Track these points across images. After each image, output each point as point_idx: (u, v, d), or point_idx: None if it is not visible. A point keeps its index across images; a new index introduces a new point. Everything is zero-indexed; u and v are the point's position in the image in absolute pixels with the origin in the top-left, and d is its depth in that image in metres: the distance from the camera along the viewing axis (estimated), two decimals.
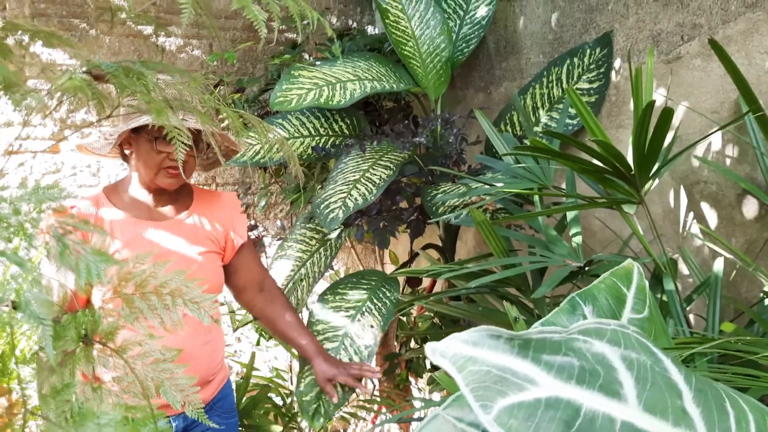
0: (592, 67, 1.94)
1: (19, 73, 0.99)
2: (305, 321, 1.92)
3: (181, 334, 1.50)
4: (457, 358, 0.39)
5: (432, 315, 2.37)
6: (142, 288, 0.94)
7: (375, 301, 1.96)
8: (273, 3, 1.05)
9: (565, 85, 2.01)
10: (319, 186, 2.61)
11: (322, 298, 2.04)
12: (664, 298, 1.37)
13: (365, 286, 2.02)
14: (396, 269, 2.34)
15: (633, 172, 1.27)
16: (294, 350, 2.16)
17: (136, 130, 1.50)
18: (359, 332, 1.89)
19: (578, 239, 1.46)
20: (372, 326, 1.86)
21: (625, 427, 0.37)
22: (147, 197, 1.59)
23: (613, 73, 1.91)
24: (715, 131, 1.31)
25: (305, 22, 1.14)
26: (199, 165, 1.73)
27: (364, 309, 1.94)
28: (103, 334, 0.89)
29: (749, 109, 1.28)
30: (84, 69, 1.12)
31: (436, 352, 0.39)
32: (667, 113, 1.12)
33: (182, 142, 1.04)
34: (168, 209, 1.61)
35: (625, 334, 0.43)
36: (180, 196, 1.64)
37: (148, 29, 3.00)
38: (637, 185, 1.30)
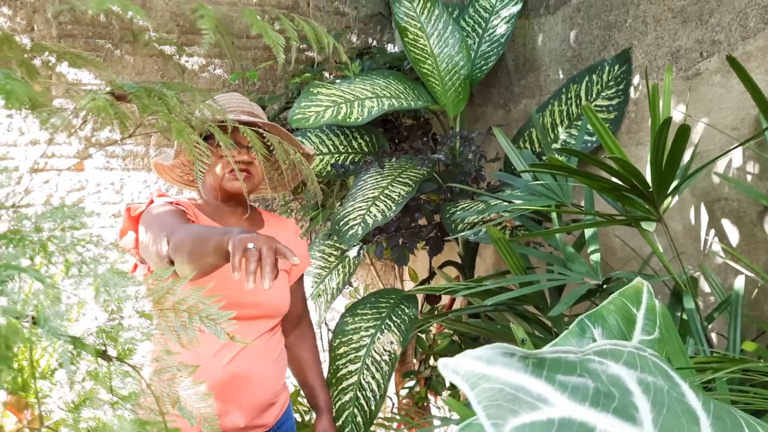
0: (611, 84, 1.94)
1: (45, 93, 1.01)
2: (324, 340, 1.93)
3: (249, 356, 1.52)
4: (469, 375, 0.39)
5: (451, 333, 2.36)
6: (161, 304, 0.95)
7: (394, 317, 1.96)
8: (291, 29, 1.07)
9: (584, 102, 2.00)
10: (339, 203, 2.62)
11: (342, 321, 2.04)
12: (684, 316, 1.35)
13: (384, 305, 2.02)
14: (415, 286, 2.34)
15: (651, 190, 1.26)
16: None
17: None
18: (380, 350, 1.89)
19: (596, 257, 1.45)
20: (392, 342, 1.86)
21: None
22: (224, 212, 1.61)
23: (632, 90, 1.91)
24: (734, 148, 1.30)
25: (322, 45, 1.15)
26: (275, 181, 1.75)
27: (383, 327, 1.95)
28: (121, 350, 0.90)
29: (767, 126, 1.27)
30: (107, 90, 1.14)
31: (448, 367, 0.39)
32: (684, 130, 1.11)
33: (228, 146, 1.08)
34: (245, 224, 1.64)
35: (642, 357, 0.42)
36: (254, 216, 1.67)
37: (172, 49, 3.05)
38: (655, 202, 1.29)
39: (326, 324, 2.89)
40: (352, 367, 1.88)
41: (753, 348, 1.20)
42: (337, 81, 2.31)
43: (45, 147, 2.84)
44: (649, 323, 0.74)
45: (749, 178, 1.57)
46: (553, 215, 1.57)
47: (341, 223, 1.90)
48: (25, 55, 1.08)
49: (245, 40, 3.14)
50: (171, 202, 1.50)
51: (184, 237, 1.21)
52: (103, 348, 0.92)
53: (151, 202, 1.52)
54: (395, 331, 1.90)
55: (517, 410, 0.36)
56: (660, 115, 1.26)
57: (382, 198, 1.96)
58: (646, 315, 0.74)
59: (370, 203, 1.96)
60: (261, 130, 1.38)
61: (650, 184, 1.25)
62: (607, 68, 1.95)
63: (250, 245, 1.05)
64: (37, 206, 0.89)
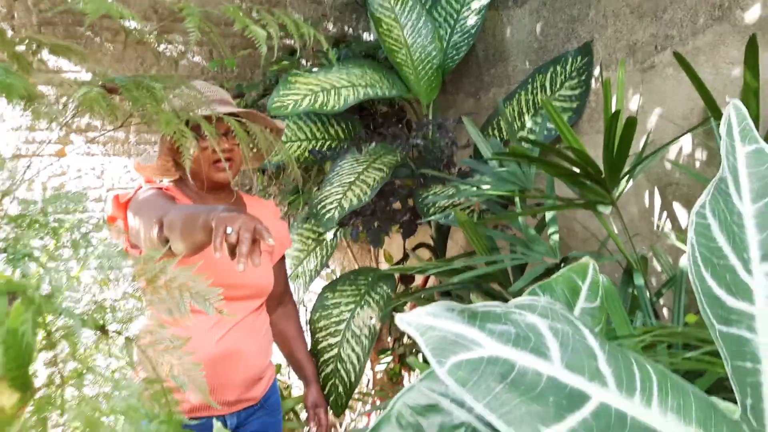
0: (573, 75, 2.05)
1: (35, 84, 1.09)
2: (303, 319, 2.03)
3: (238, 334, 1.61)
4: (419, 326, 0.49)
5: None
6: (153, 282, 1.04)
7: (373, 294, 2.07)
8: (272, 23, 1.16)
9: (548, 92, 2.11)
10: (316, 188, 2.71)
11: (322, 296, 2.14)
12: (635, 292, 1.48)
13: (362, 282, 2.13)
14: (389, 267, 2.45)
15: (603, 176, 1.37)
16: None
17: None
18: (360, 325, 1.99)
19: (555, 238, 1.57)
20: (372, 318, 1.97)
21: (549, 381, 0.47)
22: (208, 198, 1.68)
23: (593, 81, 2.02)
24: (682, 135, 1.42)
25: (303, 37, 1.25)
26: (248, 158, 1.83)
27: (362, 303, 2.05)
28: (119, 324, 0.99)
29: (710, 116, 1.38)
30: (100, 83, 1.22)
31: (403, 321, 0.50)
32: (631, 122, 1.23)
33: (214, 135, 1.15)
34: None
35: (552, 309, 0.53)
36: (236, 199, 1.75)
37: (151, 37, 3.10)
38: (607, 187, 1.41)
39: (304, 305, 2.99)
40: (332, 341, 1.99)
41: (694, 320, 1.33)
42: (315, 69, 2.39)
43: (26, 133, 2.89)
44: (591, 294, 0.84)
45: (698, 164, 1.69)
46: (517, 200, 1.68)
47: (319, 207, 1.99)
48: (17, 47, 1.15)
49: (224, 27, 3.19)
50: (159, 188, 1.58)
51: (175, 216, 1.29)
52: (102, 323, 1.01)
53: (140, 188, 1.59)
54: (374, 306, 2.01)
55: (456, 351, 0.47)
56: (612, 107, 1.37)
57: (358, 183, 2.06)
58: (589, 287, 0.85)
59: (346, 188, 2.05)
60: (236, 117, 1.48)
61: (603, 171, 1.36)
62: (570, 60, 2.06)
63: (229, 230, 1.12)
64: (36, 193, 0.97)
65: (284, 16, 1.22)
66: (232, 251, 1.11)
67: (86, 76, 3.00)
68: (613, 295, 1.14)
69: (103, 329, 1.03)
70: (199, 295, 1.07)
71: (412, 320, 0.48)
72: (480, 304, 0.51)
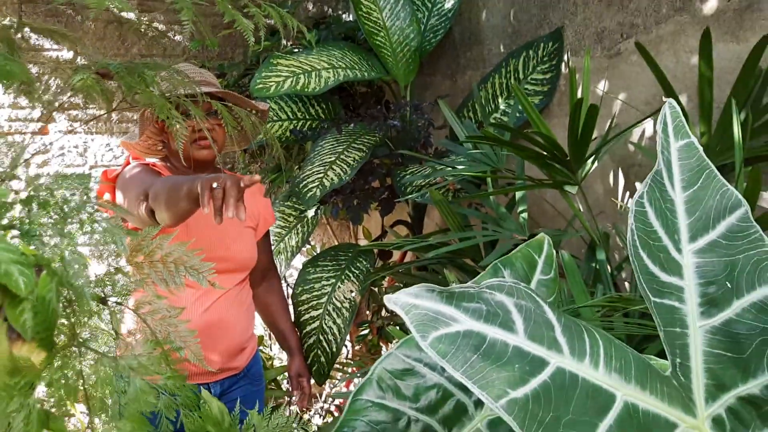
0: (545, 59, 2.14)
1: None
2: (287, 293, 2.13)
3: (222, 306, 1.69)
4: (404, 305, 0.58)
5: (401, 286, 2.58)
6: (151, 257, 1.12)
7: (353, 269, 2.17)
8: (259, 16, 1.23)
9: (521, 76, 2.20)
10: (297, 167, 2.79)
11: (304, 271, 2.23)
12: (598, 267, 1.59)
13: (343, 257, 2.22)
14: (368, 243, 2.55)
15: (568, 158, 1.47)
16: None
17: None
18: (341, 298, 2.09)
19: (524, 215, 1.67)
20: (352, 291, 2.07)
21: (515, 350, 0.57)
22: (190, 175, 1.75)
23: (563, 66, 2.11)
24: (642, 120, 1.52)
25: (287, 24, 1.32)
26: (238, 137, 1.89)
27: (343, 277, 2.15)
28: (118, 295, 1.07)
29: (665, 102, 1.49)
30: (94, 69, 1.29)
31: (390, 300, 0.59)
32: (593, 108, 1.32)
33: (199, 116, 1.23)
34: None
35: (518, 288, 0.62)
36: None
37: (131, 15, 3.13)
38: (572, 168, 1.51)
39: (286, 280, 3.08)
40: (314, 313, 2.08)
41: None
42: (296, 50, 2.45)
43: (9, 111, 2.92)
44: (546, 267, 0.94)
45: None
46: (489, 180, 1.78)
47: (301, 185, 2.08)
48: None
49: (205, 7, 3.22)
50: (146, 164, 1.65)
51: (160, 187, 1.36)
52: (102, 294, 1.09)
53: (127, 163, 1.66)
54: (354, 280, 2.11)
55: (437, 327, 0.56)
56: (576, 94, 1.47)
57: (339, 162, 2.14)
58: (545, 261, 0.94)
59: (327, 167, 2.13)
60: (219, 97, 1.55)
61: (567, 153, 1.46)
62: (542, 45, 2.15)
63: (215, 184, 1.18)
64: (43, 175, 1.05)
65: (270, 9, 1.29)
66: (219, 209, 1.15)
67: (68, 55, 3.02)
68: (572, 268, 1.24)
69: (103, 301, 1.11)
70: (193, 268, 1.16)
71: (398, 300, 0.58)
72: (456, 286, 0.60)
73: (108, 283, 1.11)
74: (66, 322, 0.73)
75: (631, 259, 0.65)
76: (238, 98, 1.71)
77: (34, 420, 0.57)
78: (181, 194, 1.29)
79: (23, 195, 0.98)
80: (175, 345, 1.10)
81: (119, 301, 1.12)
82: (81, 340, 0.74)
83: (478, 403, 0.72)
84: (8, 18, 1.07)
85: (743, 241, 0.59)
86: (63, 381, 0.64)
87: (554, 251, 0.96)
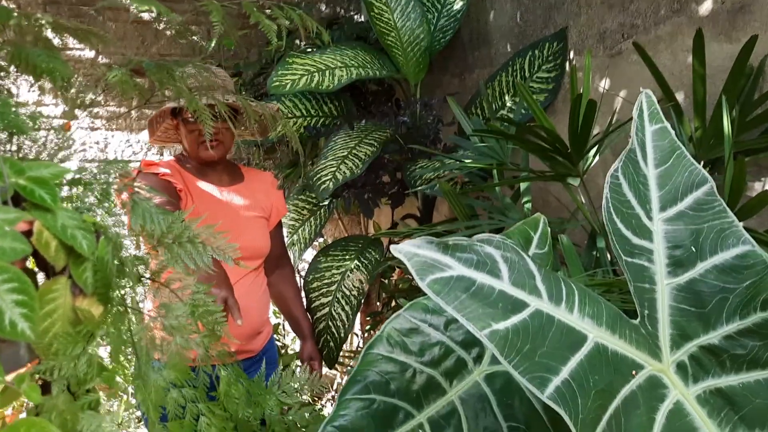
0: (550, 58, 2.23)
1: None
2: (299, 283, 2.23)
3: (239, 291, 1.79)
4: (407, 254, 0.67)
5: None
6: (180, 238, 1.22)
7: (362, 259, 2.26)
8: (281, 18, 1.33)
9: (527, 74, 2.29)
10: (310, 162, 2.89)
11: (316, 260, 2.33)
12: (597, 254, 1.67)
13: (353, 248, 2.32)
14: (378, 232, 2.64)
15: (570, 151, 1.56)
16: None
17: (176, 114, 1.79)
18: (350, 287, 2.19)
19: (528, 206, 1.76)
20: (360, 280, 2.17)
21: (500, 293, 0.66)
22: (206, 170, 1.87)
23: (567, 65, 2.20)
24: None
25: (306, 26, 1.42)
26: (259, 128, 2.00)
27: (353, 266, 2.25)
28: (151, 273, 1.17)
29: (661, 99, 1.57)
30: (129, 67, 1.39)
31: (396, 249, 0.68)
32: (592, 105, 1.41)
33: (209, 122, 1.32)
34: (226, 179, 1.89)
35: (505, 243, 0.72)
36: (234, 171, 1.95)
37: (150, 16, 3.24)
38: (574, 161, 1.60)
39: (299, 271, 3.18)
40: (324, 300, 2.18)
41: None
42: (309, 49, 2.55)
43: (32, 108, 3.03)
44: (541, 243, 1.04)
45: None
46: (495, 172, 1.87)
47: (315, 178, 2.17)
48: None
49: (227, 8, 3.33)
50: (156, 174, 1.74)
51: None
52: (139, 273, 1.19)
53: (138, 173, 1.75)
54: (363, 270, 2.20)
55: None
56: (576, 92, 1.55)
57: (351, 157, 2.23)
58: (540, 237, 1.04)
59: (340, 161, 2.23)
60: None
61: (569, 147, 1.55)
62: (547, 45, 2.24)
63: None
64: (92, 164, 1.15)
65: (292, 12, 1.39)
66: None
67: (89, 54, 3.14)
68: (570, 251, 1.33)
69: (139, 278, 1.21)
70: (220, 249, 1.26)
71: (402, 249, 0.67)
72: (451, 238, 0.70)
73: (142, 262, 1.21)
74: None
75: (605, 223, 0.74)
76: (250, 106, 1.83)
77: (94, 364, 0.67)
78: None
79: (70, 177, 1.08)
80: (207, 311, 1.20)
81: (152, 277, 1.22)
82: (128, 302, 0.83)
83: (477, 359, 0.82)
84: (45, 20, 1.18)
85: (708, 212, 0.68)
86: (116, 333, 0.74)
87: (549, 229, 1.05)
